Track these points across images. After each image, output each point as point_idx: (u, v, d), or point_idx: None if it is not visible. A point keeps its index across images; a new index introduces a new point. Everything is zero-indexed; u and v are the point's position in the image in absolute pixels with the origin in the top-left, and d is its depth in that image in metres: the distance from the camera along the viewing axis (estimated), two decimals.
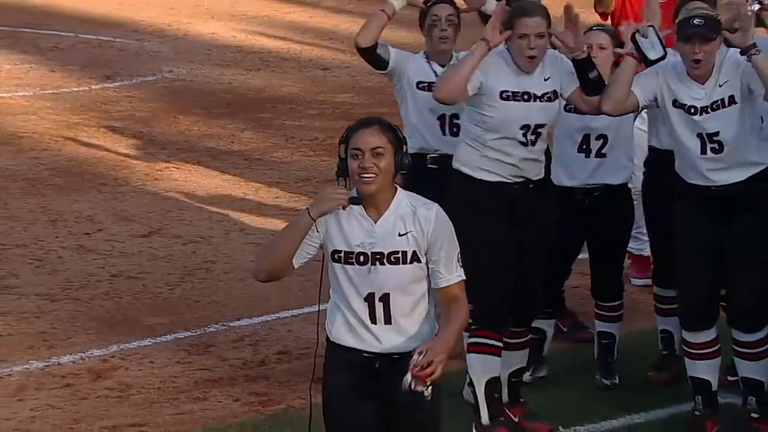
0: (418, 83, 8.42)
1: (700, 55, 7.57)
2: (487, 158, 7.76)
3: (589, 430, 8.15)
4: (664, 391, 8.54)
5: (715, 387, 8.05)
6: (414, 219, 5.92)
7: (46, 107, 15.03)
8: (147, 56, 17.41)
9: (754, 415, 8.02)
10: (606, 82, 7.78)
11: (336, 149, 6.04)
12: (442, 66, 8.32)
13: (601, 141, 8.24)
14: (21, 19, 19.35)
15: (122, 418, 8.30)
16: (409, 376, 5.71)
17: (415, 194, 6.02)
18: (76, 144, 13.75)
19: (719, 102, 7.67)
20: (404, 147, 5.95)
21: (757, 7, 8.31)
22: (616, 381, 8.46)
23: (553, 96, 7.70)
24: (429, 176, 8.14)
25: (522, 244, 7.85)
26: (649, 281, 9.12)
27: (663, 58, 7.67)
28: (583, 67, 7.69)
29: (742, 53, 7.58)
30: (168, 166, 13.07)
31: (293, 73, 16.92)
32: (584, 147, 8.26)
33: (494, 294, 7.72)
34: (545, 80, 7.65)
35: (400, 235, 5.91)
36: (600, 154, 8.26)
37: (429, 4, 8.47)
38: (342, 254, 5.94)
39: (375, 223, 5.93)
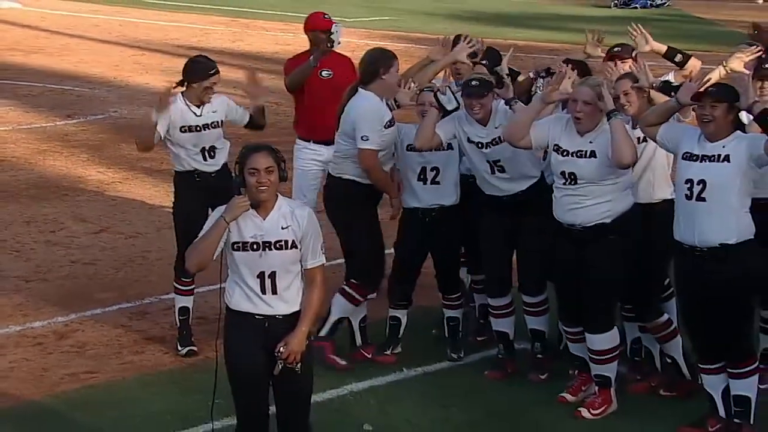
0: (180, 128, 8.34)
1: (477, 107, 7.72)
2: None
3: (425, 370, 8.24)
4: (477, 342, 8.64)
5: (512, 337, 8.16)
6: (292, 216, 5.99)
7: (22, 138, 14.86)
8: (98, 100, 17.25)
9: (539, 356, 8.15)
10: None
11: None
12: (197, 106, 8.35)
13: (435, 172, 8.14)
14: (3, 74, 19.13)
15: (80, 367, 8.26)
16: (279, 363, 5.91)
17: (290, 198, 6.13)
18: (44, 165, 13.62)
19: (497, 138, 7.75)
20: (283, 164, 6.01)
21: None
22: (462, 355, 8.38)
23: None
24: (198, 187, 8.39)
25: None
26: None
27: (457, 109, 7.82)
28: None
29: (506, 104, 7.80)
30: (114, 181, 12.98)
31: None
32: (422, 177, 8.16)
33: None
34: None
35: (282, 228, 5.97)
36: (435, 182, 8.17)
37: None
38: (240, 244, 5.99)
39: (264, 220, 5.97)
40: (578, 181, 7.33)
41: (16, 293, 9.59)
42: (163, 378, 8.12)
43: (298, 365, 5.94)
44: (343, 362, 8.16)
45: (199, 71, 8.37)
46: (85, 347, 8.61)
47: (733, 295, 6.87)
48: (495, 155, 7.80)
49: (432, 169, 8.15)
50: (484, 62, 8.45)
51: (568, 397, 7.72)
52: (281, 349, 5.90)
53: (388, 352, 8.39)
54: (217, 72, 8.38)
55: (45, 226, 11.38)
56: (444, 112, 7.81)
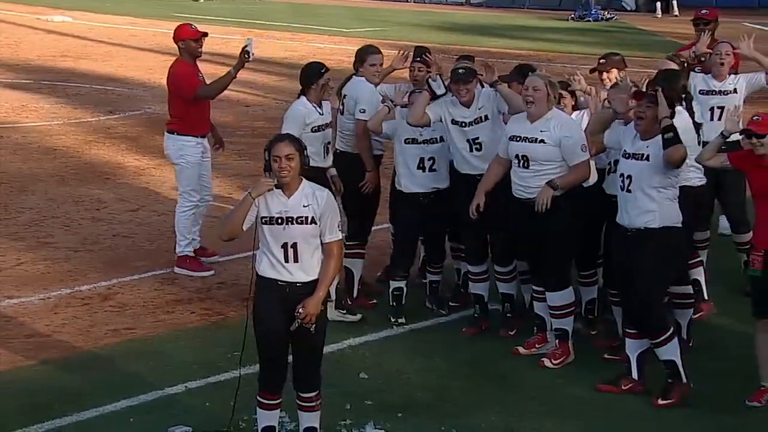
0: (312, 128, 8.09)
1: (464, 91, 7.65)
2: None
3: (412, 327, 8.18)
4: (459, 306, 8.52)
5: (486, 299, 8.10)
6: (313, 197, 5.94)
7: (72, 131, 14.75)
8: (135, 99, 17.14)
9: (509, 315, 8.09)
10: None
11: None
12: (319, 105, 8.10)
13: (432, 161, 8.04)
14: (56, 77, 19.04)
15: (120, 324, 8.21)
16: (297, 322, 5.86)
17: (312, 182, 6.01)
18: (90, 153, 13.52)
19: (479, 118, 7.71)
20: (305, 152, 5.93)
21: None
22: (446, 312, 8.30)
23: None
24: (315, 180, 8.13)
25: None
26: None
27: (444, 94, 7.80)
28: None
29: (491, 86, 7.65)
30: (148, 167, 12.88)
31: (227, 108, 16.73)
32: (421, 165, 8.04)
33: None
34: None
35: (304, 206, 5.91)
36: (432, 170, 8.06)
37: None
38: (267, 218, 5.93)
39: (288, 198, 5.91)
40: (530, 164, 7.29)
41: (66, 261, 9.52)
42: (190, 333, 8.06)
43: (313, 325, 5.89)
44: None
45: (313, 73, 8.08)
46: (124, 307, 8.55)
47: (652, 271, 6.81)
48: (475, 133, 7.76)
49: (429, 159, 8.06)
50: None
51: (521, 350, 7.68)
52: (300, 310, 5.85)
53: (402, 319, 8.14)
54: (328, 70, 8.15)
55: (90, 204, 11.29)
56: (434, 97, 7.78)
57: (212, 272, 9.20)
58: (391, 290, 8.26)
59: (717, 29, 9.65)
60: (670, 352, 6.91)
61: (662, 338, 6.91)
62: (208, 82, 9.28)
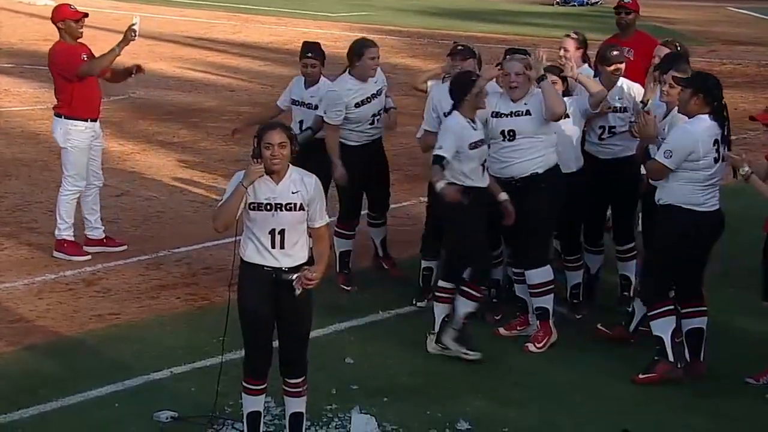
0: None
1: (459, 67, 7.68)
2: None
3: (398, 312, 8.21)
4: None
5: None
6: (301, 183, 5.91)
7: None
8: (119, 84, 17.01)
9: (494, 300, 8.06)
10: None
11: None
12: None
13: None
14: (39, 61, 18.73)
15: (105, 309, 8.19)
16: (297, 283, 5.81)
17: (299, 168, 5.99)
18: None
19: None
20: (294, 140, 5.92)
21: None
22: (423, 304, 8.22)
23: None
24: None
25: None
26: None
27: None
28: None
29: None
30: (133, 152, 12.86)
31: (212, 93, 16.75)
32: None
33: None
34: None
35: (292, 192, 5.89)
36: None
37: None
38: (255, 204, 5.90)
39: (276, 185, 5.90)
40: (516, 137, 7.31)
41: (50, 246, 9.46)
42: (176, 319, 8.06)
43: (299, 291, 5.81)
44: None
45: (464, 86, 7.27)
46: (109, 292, 8.54)
47: (665, 244, 6.92)
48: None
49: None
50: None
51: (502, 330, 7.73)
52: (306, 273, 5.75)
53: (423, 303, 8.17)
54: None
55: None
56: None
57: (89, 257, 9.13)
58: (421, 270, 8.26)
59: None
60: (660, 328, 6.95)
61: (652, 312, 6.97)
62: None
